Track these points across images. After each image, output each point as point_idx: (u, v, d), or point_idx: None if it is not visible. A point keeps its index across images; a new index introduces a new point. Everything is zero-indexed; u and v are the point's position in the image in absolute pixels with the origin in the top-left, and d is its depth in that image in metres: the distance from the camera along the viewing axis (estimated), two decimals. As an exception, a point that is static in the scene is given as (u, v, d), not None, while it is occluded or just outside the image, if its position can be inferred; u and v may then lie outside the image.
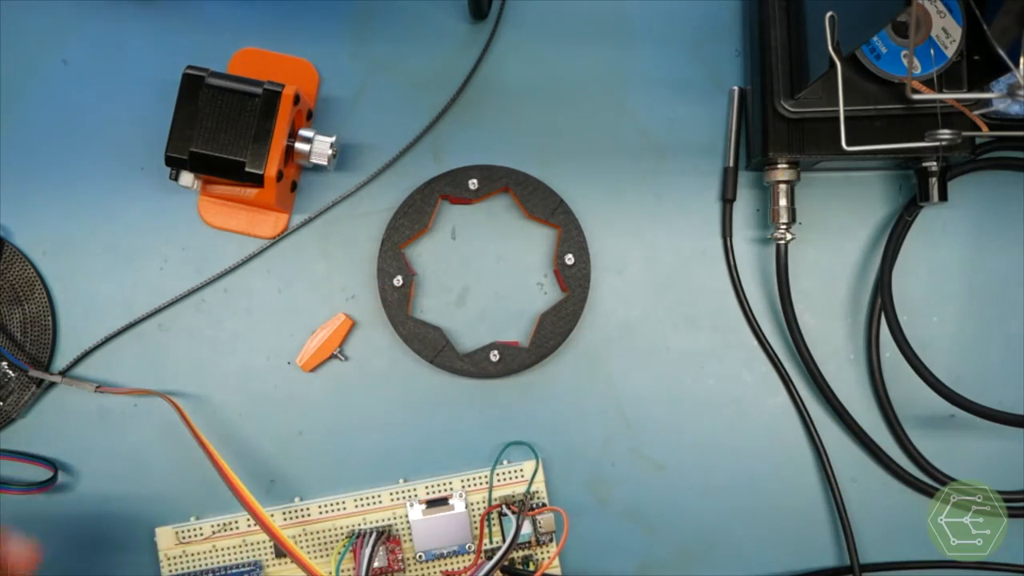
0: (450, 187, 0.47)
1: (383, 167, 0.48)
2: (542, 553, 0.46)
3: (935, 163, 0.45)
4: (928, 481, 0.48)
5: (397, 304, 0.46)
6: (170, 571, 0.46)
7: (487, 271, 0.48)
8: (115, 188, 0.48)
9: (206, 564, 0.46)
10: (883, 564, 0.48)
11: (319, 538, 0.46)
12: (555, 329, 0.47)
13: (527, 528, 0.46)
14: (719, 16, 0.49)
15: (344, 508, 0.46)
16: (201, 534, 0.46)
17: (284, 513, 0.46)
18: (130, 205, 0.48)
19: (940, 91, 0.43)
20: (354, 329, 0.48)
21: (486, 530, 0.46)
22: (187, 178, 0.45)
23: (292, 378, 0.47)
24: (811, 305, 0.49)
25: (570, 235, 0.47)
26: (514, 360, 0.46)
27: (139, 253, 0.48)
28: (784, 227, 0.46)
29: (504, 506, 0.46)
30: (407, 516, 0.46)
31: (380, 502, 0.46)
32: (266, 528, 0.42)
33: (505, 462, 0.47)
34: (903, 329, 0.45)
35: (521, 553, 0.46)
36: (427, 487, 0.46)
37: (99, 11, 0.48)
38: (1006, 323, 0.49)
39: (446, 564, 0.46)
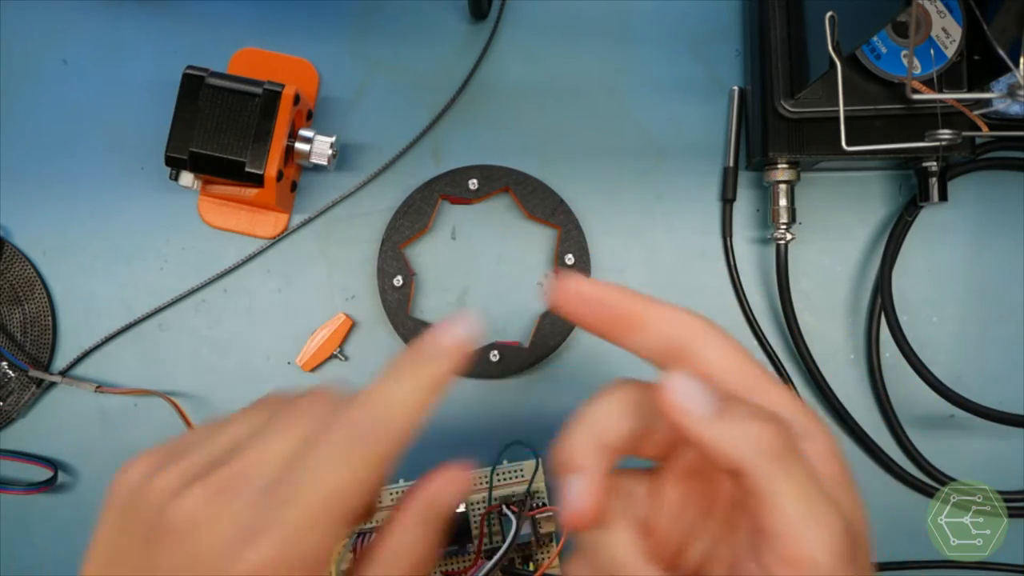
0: (450, 187, 0.47)
1: (383, 167, 0.48)
2: (542, 553, 0.46)
3: (935, 163, 0.45)
4: (928, 481, 0.48)
5: (397, 304, 0.46)
6: (170, 571, 0.46)
7: (487, 271, 0.48)
8: (115, 188, 0.48)
9: (206, 564, 0.46)
10: (883, 564, 0.48)
11: (319, 538, 0.46)
12: (555, 329, 0.47)
13: (527, 528, 0.46)
14: (719, 16, 0.49)
15: (344, 508, 0.46)
16: (201, 534, 0.46)
17: (284, 513, 0.46)
18: (130, 205, 0.48)
19: (940, 91, 0.43)
20: (354, 329, 0.48)
21: (486, 530, 0.46)
22: (187, 178, 0.45)
23: (292, 378, 0.47)
24: (811, 305, 0.49)
25: (570, 235, 0.47)
26: (514, 360, 0.46)
27: (139, 253, 0.48)
28: (784, 227, 0.46)
29: (504, 506, 0.46)
30: (407, 516, 0.46)
31: (380, 502, 0.46)
32: (266, 528, 0.42)
33: (505, 462, 0.47)
34: (903, 329, 0.45)
35: (521, 553, 0.46)
36: (427, 487, 0.46)
37: (99, 11, 0.48)
38: (1006, 323, 0.49)
39: (446, 564, 0.46)
